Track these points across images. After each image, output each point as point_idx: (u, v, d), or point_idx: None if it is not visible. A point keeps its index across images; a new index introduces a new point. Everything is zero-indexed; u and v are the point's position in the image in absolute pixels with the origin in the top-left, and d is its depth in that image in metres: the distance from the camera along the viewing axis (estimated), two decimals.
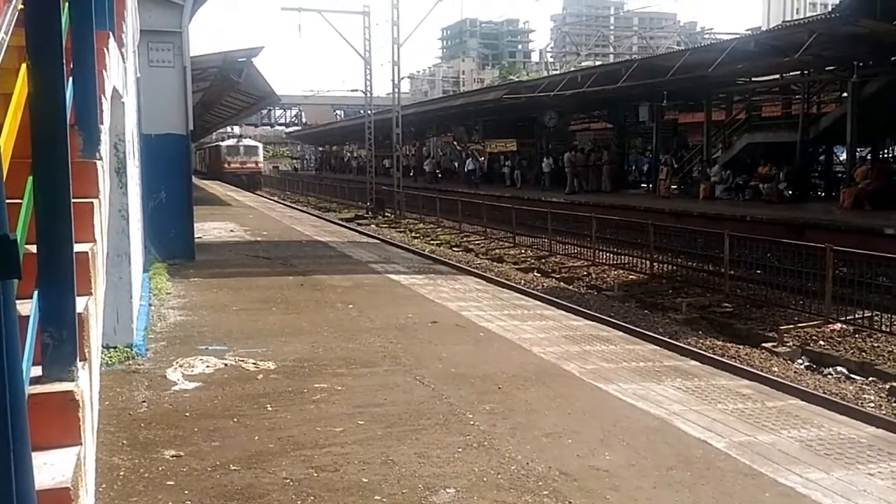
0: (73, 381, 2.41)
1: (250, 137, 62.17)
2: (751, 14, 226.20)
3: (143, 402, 5.57)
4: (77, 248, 2.65)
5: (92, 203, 3.39)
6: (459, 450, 4.54)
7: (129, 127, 7.66)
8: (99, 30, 5.04)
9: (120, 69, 6.25)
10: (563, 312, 9.16)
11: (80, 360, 2.53)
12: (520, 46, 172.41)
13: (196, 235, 13.90)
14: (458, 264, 17.34)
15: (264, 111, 58.25)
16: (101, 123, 4.16)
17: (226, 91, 30.25)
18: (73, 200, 2.43)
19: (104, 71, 4.60)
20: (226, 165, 52.36)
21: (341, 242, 15.59)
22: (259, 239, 16.13)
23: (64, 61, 2.43)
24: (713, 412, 5.26)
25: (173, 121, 12.43)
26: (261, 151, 57.43)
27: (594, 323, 8.74)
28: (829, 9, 37.59)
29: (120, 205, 6.68)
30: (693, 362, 6.73)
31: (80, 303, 2.65)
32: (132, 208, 7.57)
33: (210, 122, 48.76)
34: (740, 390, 5.83)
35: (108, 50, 4.93)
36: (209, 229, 17.63)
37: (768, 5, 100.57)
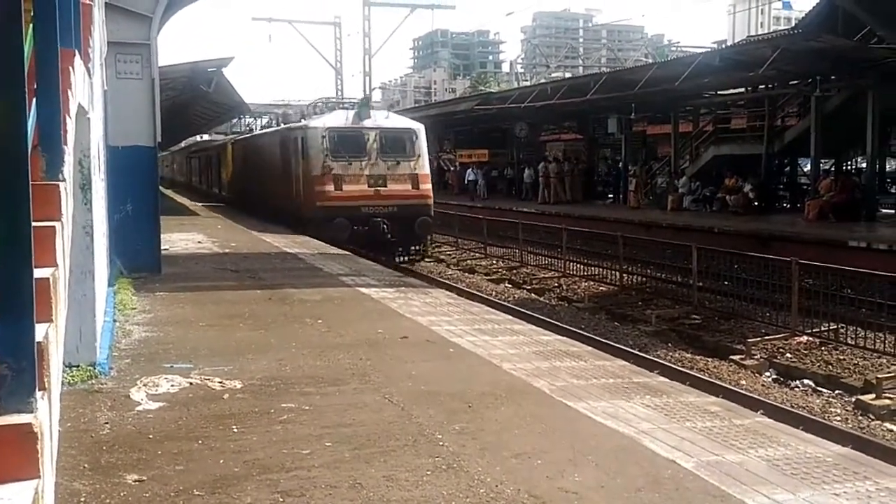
0: (31, 412, 2.34)
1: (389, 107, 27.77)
2: (717, 28, 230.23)
3: (106, 423, 5.45)
4: (37, 273, 2.58)
5: (54, 227, 3.31)
6: (428, 472, 4.50)
7: (95, 141, 7.54)
8: (64, 47, 4.96)
9: (86, 85, 6.16)
10: (534, 327, 9.18)
11: (40, 390, 2.47)
12: (490, 57, 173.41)
13: (163, 247, 13.72)
14: (429, 275, 17.33)
15: (234, 120, 54.72)
16: (65, 144, 4.08)
17: (195, 101, 30.00)
18: (34, 224, 2.38)
19: (69, 90, 4.52)
20: (328, 188, 19.29)
21: (311, 254, 15.48)
22: (227, 251, 15.95)
23: (26, 82, 2.38)
24: (682, 431, 5.29)
25: (141, 133, 12.28)
26: (424, 145, 20.94)
27: (564, 337, 8.76)
28: (793, 24, 38.33)
29: (84, 221, 6.56)
30: (662, 378, 6.78)
31: (41, 330, 2.59)
32: (97, 224, 7.44)
33: (178, 131, 47.92)
34: (708, 407, 5.87)
35: (73, 68, 4.84)
36: (176, 241, 17.39)
37: (734, 20, 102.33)
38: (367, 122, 19.94)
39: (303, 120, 22.19)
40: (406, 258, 20.01)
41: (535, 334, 8.73)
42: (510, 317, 9.42)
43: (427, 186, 20.12)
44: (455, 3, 31.57)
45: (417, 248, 20.65)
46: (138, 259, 12.34)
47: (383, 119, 20.55)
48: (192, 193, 41.37)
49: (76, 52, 5.00)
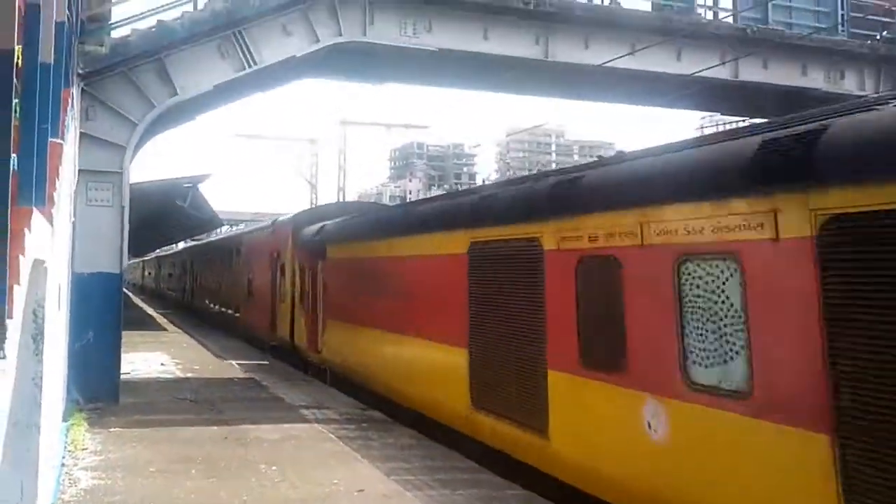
0: None
1: None
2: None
3: None
4: None
5: None
6: None
7: (54, 284, 7.46)
8: (23, 206, 4.99)
9: (45, 237, 6.13)
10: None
11: None
12: (465, 168, 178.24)
13: (123, 371, 13.44)
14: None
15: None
16: (9, 318, 4.02)
17: (170, 214, 30.25)
18: None
19: (21, 255, 4.49)
20: None
21: (274, 382, 15.21)
22: (189, 375, 15.65)
23: None
24: None
25: (107, 260, 12.25)
26: None
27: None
28: None
29: (34, 373, 6.35)
30: None
31: None
32: (50, 365, 7.25)
33: (150, 242, 47.85)
34: None
35: (29, 229, 4.86)
36: (139, 361, 17.07)
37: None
38: None
39: None
40: None
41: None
42: (475, 465, 9.14)
43: None
44: (429, 123, 32.80)
45: None
46: (96, 386, 12.06)
47: None
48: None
49: (34, 210, 5.01)
